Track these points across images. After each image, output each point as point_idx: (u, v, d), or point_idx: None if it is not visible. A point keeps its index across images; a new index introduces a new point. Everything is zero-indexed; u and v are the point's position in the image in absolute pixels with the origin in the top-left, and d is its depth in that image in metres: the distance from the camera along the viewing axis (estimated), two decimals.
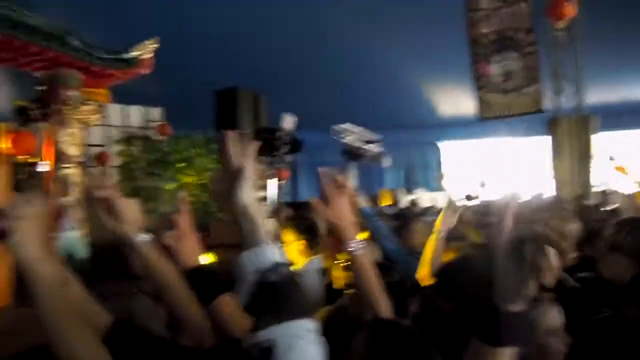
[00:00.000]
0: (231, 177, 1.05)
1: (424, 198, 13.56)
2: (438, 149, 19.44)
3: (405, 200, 12.60)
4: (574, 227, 2.99)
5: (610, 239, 2.58)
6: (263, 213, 1.05)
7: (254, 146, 1.08)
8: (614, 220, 2.75)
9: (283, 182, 10.98)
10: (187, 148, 7.89)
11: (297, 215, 5.26)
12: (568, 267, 2.89)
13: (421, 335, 1.42)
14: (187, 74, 11.36)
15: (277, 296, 0.91)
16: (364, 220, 3.74)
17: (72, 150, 5.81)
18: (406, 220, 4.64)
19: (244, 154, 1.06)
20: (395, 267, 3.31)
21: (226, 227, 6.59)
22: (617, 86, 13.62)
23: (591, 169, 8.27)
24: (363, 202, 4.13)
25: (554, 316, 1.74)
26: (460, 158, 18.92)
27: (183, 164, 7.90)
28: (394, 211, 6.84)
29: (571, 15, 8.09)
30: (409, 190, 16.12)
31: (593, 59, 8.80)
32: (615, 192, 4.18)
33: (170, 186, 8.24)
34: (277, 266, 0.95)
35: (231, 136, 1.09)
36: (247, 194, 1.04)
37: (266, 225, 1.05)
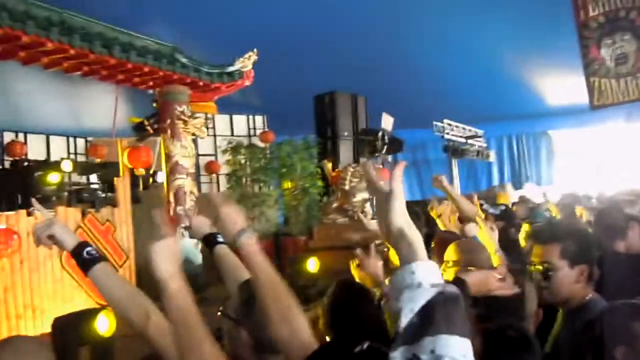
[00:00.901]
0: (380, 201, 1.05)
1: (534, 193, 12.94)
2: (549, 139, 18.43)
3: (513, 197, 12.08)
4: None
5: None
6: (419, 234, 1.01)
7: (400, 169, 1.07)
8: None
9: (385, 182, 10.97)
10: (289, 153, 8.09)
11: None
12: None
13: None
14: (286, 80, 11.67)
15: (450, 310, 0.90)
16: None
17: (185, 162, 6.17)
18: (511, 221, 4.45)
19: (393, 176, 1.05)
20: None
21: (329, 231, 6.71)
22: None
23: None
24: (475, 200, 4.02)
25: None
26: (574, 148, 17.81)
27: (285, 169, 8.11)
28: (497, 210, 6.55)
29: None
30: (517, 186, 15.48)
31: None
32: None
33: (274, 191, 8.49)
34: (448, 284, 0.95)
35: (369, 164, 1.12)
36: (400, 217, 1.02)
37: (421, 240, 1.02)
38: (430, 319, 0.88)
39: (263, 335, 1.46)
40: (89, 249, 1.64)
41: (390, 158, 10.38)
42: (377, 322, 2.14)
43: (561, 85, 13.98)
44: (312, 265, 5.68)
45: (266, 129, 10.34)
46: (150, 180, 8.33)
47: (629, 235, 3.48)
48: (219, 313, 1.71)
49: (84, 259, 1.62)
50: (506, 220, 4.84)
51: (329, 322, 2.40)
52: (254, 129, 10.52)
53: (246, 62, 6.65)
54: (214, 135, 10.09)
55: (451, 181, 12.37)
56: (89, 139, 10.29)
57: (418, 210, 4.59)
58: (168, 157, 6.15)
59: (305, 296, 4.59)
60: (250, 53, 6.68)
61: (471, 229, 3.63)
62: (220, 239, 2.31)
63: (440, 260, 3.15)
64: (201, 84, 6.37)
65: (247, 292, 1.68)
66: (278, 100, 11.80)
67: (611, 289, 2.32)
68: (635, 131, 15.03)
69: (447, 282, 0.97)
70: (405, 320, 0.90)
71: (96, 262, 1.64)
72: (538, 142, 18.51)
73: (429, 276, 0.94)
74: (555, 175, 17.95)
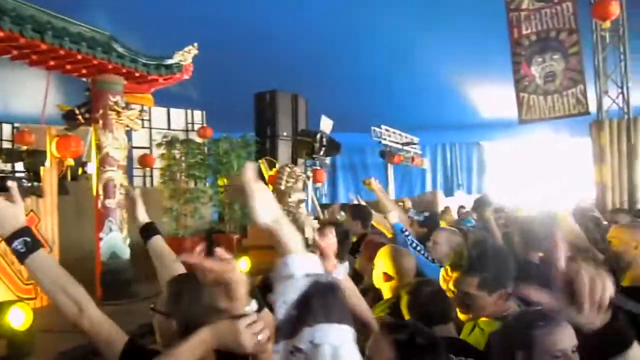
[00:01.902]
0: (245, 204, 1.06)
1: (464, 201, 13.39)
2: (480, 149, 19.16)
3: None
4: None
5: None
6: (291, 229, 1.03)
7: (252, 169, 1.07)
8: None
9: (321, 183, 11.06)
10: (226, 150, 8.02)
11: (334, 221, 5.31)
12: None
13: None
14: (227, 76, 11.55)
15: (327, 299, 0.92)
16: (395, 235, 3.79)
17: (116, 154, 6.00)
18: (434, 228, 4.61)
19: (245, 179, 1.05)
20: None
21: (263, 229, 6.69)
22: None
23: (638, 174, 8.02)
24: (408, 204, 4.17)
25: (559, 339, 1.71)
26: (502, 159, 18.61)
27: (221, 166, 8.04)
28: (421, 217, 6.77)
29: (616, 15, 7.88)
30: (449, 193, 15.95)
31: (637, 60, 8.56)
32: None
33: (209, 188, 8.40)
34: (324, 274, 0.97)
35: (251, 168, 1.10)
36: (262, 216, 1.02)
37: (297, 234, 1.04)
38: (308, 309, 0.90)
39: (192, 326, 1.46)
40: (24, 238, 1.56)
41: (327, 160, 10.48)
42: None
43: (494, 98, 14.55)
44: (244, 264, 5.67)
45: (204, 125, 10.18)
46: (80, 171, 8.06)
47: (546, 247, 3.67)
48: (151, 309, 1.69)
49: (17, 249, 1.56)
50: (430, 227, 5.00)
51: None
52: (192, 123, 10.33)
53: (185, 56, 6.54)
54: (150, 128, 9.85)
55: (386, 186, 12.64)
56: (16, 124, 9.81)
57: (354, 212, 4.69)
58: (99, 148, 5.96)
59: None
60: (191, 47, 6.57)
61: (393, 217, 3.82)
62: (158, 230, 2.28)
63: (369, 261, 3.25)
64: (137, 74, 6.21)
65: (176, 287, 1.69)
66: (218, 96, 11.68)
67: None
68: (561, 144, 15.91)
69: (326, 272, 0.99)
70: (280, 311, 0.92)
71: (31, 252, 1.57)
72: (470, 151, 19.22)
73: (302, 268, 0.95)
74: (485, 184, 18.69)
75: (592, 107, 8.67)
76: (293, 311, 0.90)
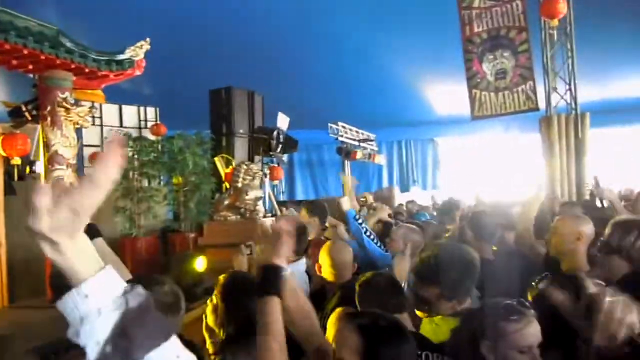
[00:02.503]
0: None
1: (420, 196, 13.60)
2: (435, 146, 19.48)
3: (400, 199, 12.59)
4: (587, 229, 2.99)
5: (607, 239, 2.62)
6: (86, 241, 0.83)
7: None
8: (612, 222, 2.77)
9: (278, 181, 11.01)
10: (181, 148, 7.88)
11: (292, 217, 5.30)
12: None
13: None
14: (182, 73, 11.37)
15: (147, 320, 0.79)
16: (348, 223, 3.82)
17: (65, 152, 5.80)
18: (389, 225, 4.68)
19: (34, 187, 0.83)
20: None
21: (219, 228, 6.63)
22: (607, 84, 13.72)
23: (585, 168, 8.31)
24: (355, 203, 4.20)
25: (528, 333, 1.74)
26: (457, 155, 18.98)
27: (176, 164, 7.89)
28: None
29: (563, 14, 8.13)
30: (404, 189, 16.15)
31: (584, 58, 8.85)
32: (605, 189, 4.19)
33: (163, 187, 8.25)
34: (131, 289, 0.81)
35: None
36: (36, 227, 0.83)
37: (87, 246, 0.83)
38: (128, 344, 0.76)
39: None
40: None
41: (285, 157, 10.43)
42: None
43: (447, 95, 14.82)
44: (200, 263, 5.58)
45: (158, 122, 9.98)
46: (28, 170, 7.77)
47: (498, 240, 3.76)
48: None
49: None
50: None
51: (223, 315, 2.38)
52: (145, 120, 10.12)
53: (137, 51, 6.38)
54: (101, 126, 9.60)
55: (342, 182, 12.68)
56: None
57: (312, 208, 4.69)
58: (47, 146, 5.74)
59: (192, 294, 4.50)
60: (143, 42, 6.41)
61: (344, 201, 3.88)
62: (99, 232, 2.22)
63: (315, 261, 3.30)
64: (87, 70, 6.02)
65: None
66: (172, 93, 11.48)
67: (488, 293, 2.51)
68: (512, 141, 16.36)
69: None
70: (93, 354, 0.77)
71: None
72: (425, 148, 19.52)
73: (106, 293, 0.78)
74: (440, 180, 19.04)
75: (542, 104, 8.93)
76: (109, 348, 0.76)
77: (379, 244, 3.71)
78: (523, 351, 1.70)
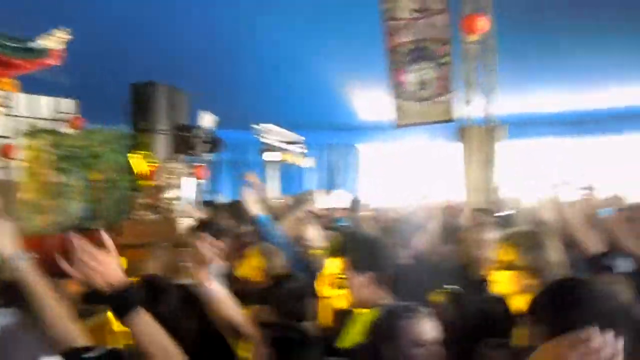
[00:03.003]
0: None
1: (343, 199, 13.76)
2: (356, 152, 19.85)
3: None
4: (492, 236, 3.16)
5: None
6: None
7: None
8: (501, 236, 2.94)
9: (202, 181, 10.81)
10: (99, 143, 7.59)
11: (210, 219, 5.22)
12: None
13: None
14: (102, 65, 10.95)
15: (9, 348, 0.79)
16: (258, 228, 3.79)
17: None
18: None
19: None
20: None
21: (137, 227, 6.42)
22: (525, 97, 14.50)
23: (496, 177, 8.71)
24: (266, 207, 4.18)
25: (424, 329, 1.82)
26: (379, 161, 19.42)
27: (93, 160, 7.59)
28: None
29: (485, 30, 8.46)
30: (329, 192, 16.30)
31: (503, 71, 9.29)
32: (514, 198, 4.43)
33: (78, 182, 7.91)
34: None
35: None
36: None
37: None
38: None
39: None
40: None
41: (210, 157, 10.26)
42: (174, 319, 2.11)
43: (372, 102, 15.13)
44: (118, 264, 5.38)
45: (77, 115, 9.53)
46: None
47: (412, 245, 3.89)
48: None
49: None
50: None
51: None
52: (62, 113, 9.62)
53: (53, 39, 6.09)
54: (13, 116, 9.04)
55: (265, 183, 12.65)
56: None
57: (232, 211, 4.64)
58: None
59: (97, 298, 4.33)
60: (59, 30, 6.13)
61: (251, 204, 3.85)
62: None
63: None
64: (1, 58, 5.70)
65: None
66: (92, 85, 10.99)
67: (403, 295, 2.60)
68: (435, 149, 16.95)
69: None
70: None
71: None
72: (348, 153, 19.86)
73: None
74: (360, 186, 19.41)
75: (462, 114, 9.30)
76: None
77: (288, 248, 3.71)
78: (421, 344, 1.78)
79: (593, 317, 1.20)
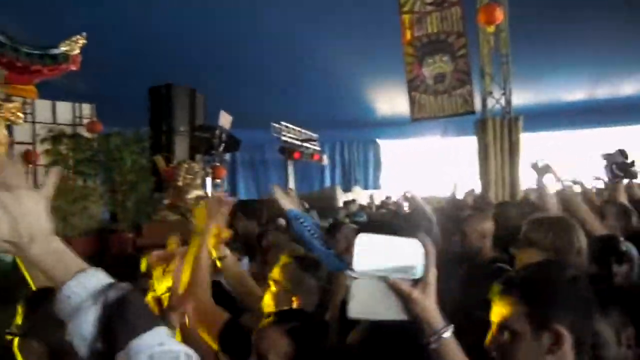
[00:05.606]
0: None
1: (362, 196, 13.77)
2: (377, 147, 19.82)
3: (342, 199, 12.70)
4: (489, 226, 3.24)
5: (525, 235, 2.74)
6: (57, 243, 0.90)
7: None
8: (530, 218, 2.92)
9: (220, 180, 10.89)
10: (118, 146, 7.67)
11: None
12: (486, 262, 3.08)
13: None
14: (120, 69, 11.05)
15: (125, 312, 0.83)
16: (290, 222, 3.79)
17: None
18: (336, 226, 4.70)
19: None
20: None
21: (159, 228, 6.49)
22: (542, 88, 14.34)
23: (518, 169, 8.61)
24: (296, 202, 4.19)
25: None
26: (398, 156, 19.39)
27: (113, 163, 7.68)
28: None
29: (500, 21, 8.39)
30: (347, 189, 16.33)
31: (520, 63, 9.20)
32: (541, 190, 4.37)
33: (99, 186, 8.02)
34: (111, 285, 0.85)
35: None
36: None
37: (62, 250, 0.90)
38: (112, 335, 0.81)
39: (57, 340, 1.34)
40: None
41: (227, 156, 10.35)
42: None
43: (389, 97, 15.09)
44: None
45: (94, 119, 9.65)
46: None
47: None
48: (7, 334, 1.58)
49: None
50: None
51: None
52: (80, 118, 9.75)
53: (72, 46, 6.17)
54: (33, 122, 9.18)
55: (286, 182, 12.70)
56: None
57: (247, 210, 4.65)
58: None
59: None
60: (78, 36, 6.21)
61: (284, 201, 3.89)
62: None
63: (273, 262, 3.26)
64: (19, 65, 5.79)
65: (35, 303, 1.61)
66: (110, 90, 11.12)
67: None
68: (449, 145, 16.90)
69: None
70: (83, 350, 0.82)
71: None
72: (367, 149, 19.84)
73: (85, 289, 0.83)
74: (381, 181, 19.39)
75: (478, 107, 9.22)
76: (97, 344, 0.81)
77: (322, 243, 3.71)
78: None
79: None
